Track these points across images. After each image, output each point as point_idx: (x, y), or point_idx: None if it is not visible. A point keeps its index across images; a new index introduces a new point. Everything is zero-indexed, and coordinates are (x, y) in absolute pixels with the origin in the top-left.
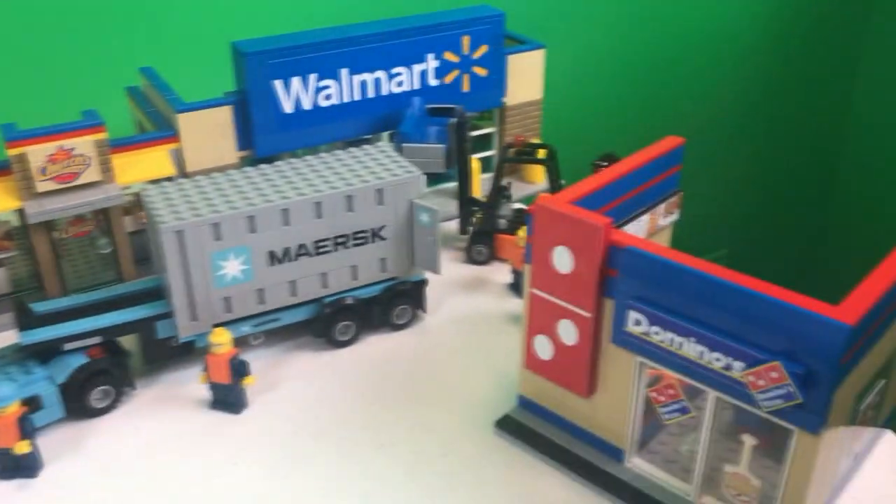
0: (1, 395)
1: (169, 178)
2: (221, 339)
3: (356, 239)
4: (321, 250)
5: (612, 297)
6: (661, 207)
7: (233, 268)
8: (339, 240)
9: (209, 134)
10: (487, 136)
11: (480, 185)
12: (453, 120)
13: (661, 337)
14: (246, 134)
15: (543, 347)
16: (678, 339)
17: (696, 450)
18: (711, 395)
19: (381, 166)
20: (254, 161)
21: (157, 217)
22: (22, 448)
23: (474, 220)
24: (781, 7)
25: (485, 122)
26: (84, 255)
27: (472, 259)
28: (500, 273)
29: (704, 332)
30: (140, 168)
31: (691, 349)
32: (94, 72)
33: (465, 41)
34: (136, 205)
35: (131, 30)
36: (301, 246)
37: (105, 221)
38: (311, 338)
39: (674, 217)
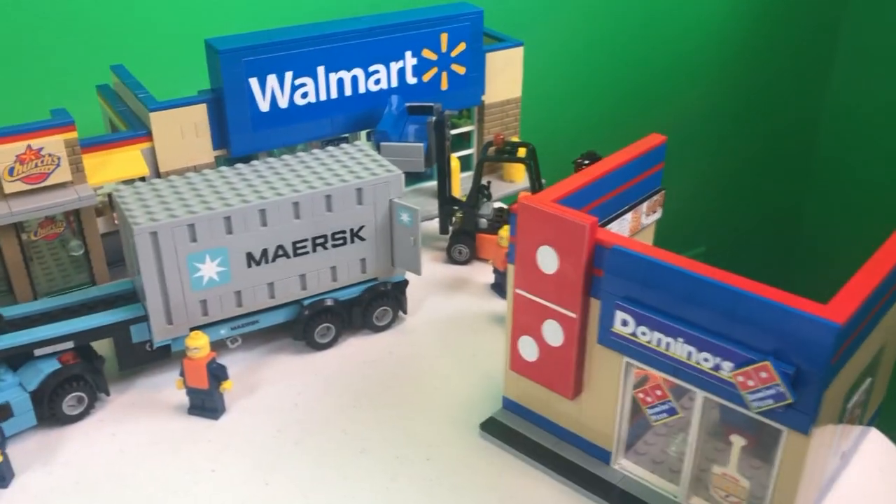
0: None
1: (142, 178)
2: (198, 343)
3: (335, 239)
4: (300, 251)
5: (598, 298)
6: (645, 206)
7: (210, 270)
8: (318, 240)
9: (183, 133)
10: (466, 135)
11: (460, 184)
12: (432, 118)
13: (649, 337)
14: (221, 133)
15: (528, 349)
16: (666, 339)
17: (684, 451)
18: (700, 395)
19: (361, 165)
20: (229, 160)
21: (130, 218)
22: None
23: (454, 219)
24: (761, 5)
25: (463, 120)
26: (55, 257)
27: (452, 259)
28: (482, 273)
29: (692, 332)
30: (112, 168)
31: (679, 349)
32: (64, 70)
33: (444, 39)
34: (108, 206)
35: (102, 27)
36: (279, 247)
37: (77, 223)
38: (290, 340)
39: (657, 216)
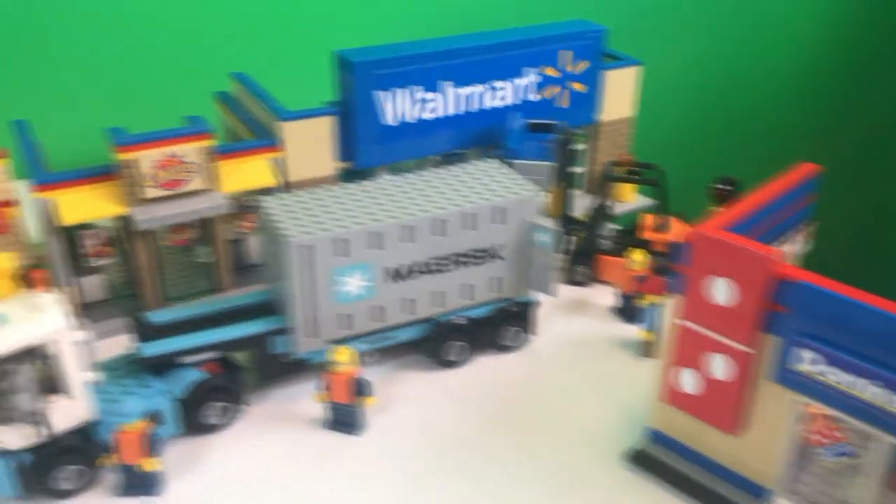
0: (128, 409)
1: (271, 188)
2: (345, 358)
3: (474, 257)
4: (439, 268)
5: (773, 333)
6: (795, 237)
7: (354, 284)
8: (458, 258)
9: (311, 144)
10: (576, 153)
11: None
12: (558, 136)
13: (837, 377)
14: (347, 145)
15: (688, 381)
16: (853, 379)
17: (851, 495)
18: (887, 440)
19: (499, 184)
20: (351, 173)
21: (282, 231)
22: (150, 465)
23: (574, 239)
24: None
25: (575, 138)
26: (176, 263)
27: (572, 280)
28: (602, 295)
29: (887, 374)
30: (241, 177)
31: (870, 391)
32: (175, 76)
33: (568, 56)
34: (233, 214)
35: (216, 34)
36: (421, 263)
37: (206, 230)
38: (416, 357)
39: (805, 248)
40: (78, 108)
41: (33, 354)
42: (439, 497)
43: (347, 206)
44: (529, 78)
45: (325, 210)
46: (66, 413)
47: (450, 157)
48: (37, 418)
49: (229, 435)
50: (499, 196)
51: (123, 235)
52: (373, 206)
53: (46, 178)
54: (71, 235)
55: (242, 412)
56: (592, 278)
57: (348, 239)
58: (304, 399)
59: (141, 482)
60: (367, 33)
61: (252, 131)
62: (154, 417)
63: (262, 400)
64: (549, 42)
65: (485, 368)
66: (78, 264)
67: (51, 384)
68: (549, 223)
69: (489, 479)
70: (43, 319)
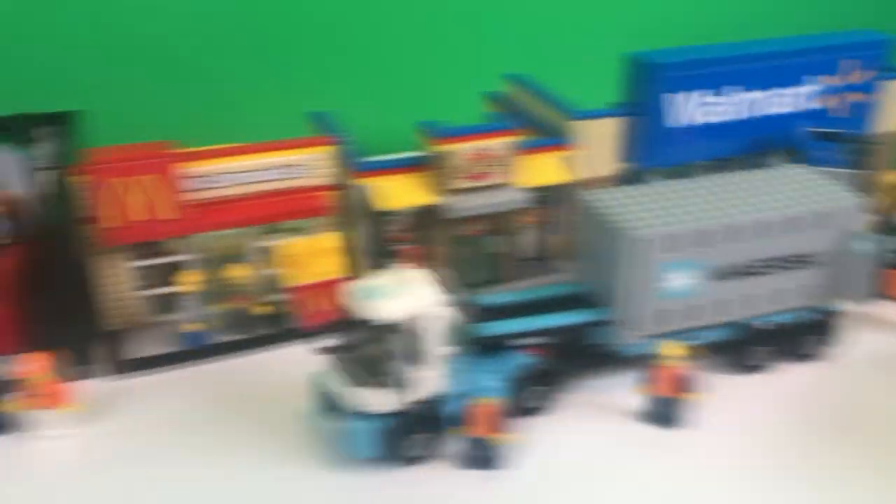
0: (490, 385)
1: (562, 186)
2: (678, 353)
3: (791, 263)
4: (754, 272)
5: None
6: None
7: (679, 281)
8: (776, 262)
9: (597, 143)
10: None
11: None
12: (857, 145)
13: None
14: (632, 145)
15: None
16: None
17: None
18: None
19: (817, 189)
20: (635, 173)
21: (621, 225)
22: (504, 440)
23: None
24: None
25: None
26: (465, 252)
27: None
28: (887, 310)
29: None
30: (534, 172)
31: None
32: (445, 77)
33: (851, 65)
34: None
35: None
36: (741, 265)
37: (497, 222)
38: (711, 359)
39: None
40: (353, 103)
41: (404, 325)
42: (774, 497)
43: (673, 203)
44: (812, 85)
45: (658, 206)
46: (425, 383)
47: (727, 162)
48: (403, 385)
49: (550, 419)
50: (821, 202)
51: (422, 223)
52: (699, 204)
53: (367, 165)
54: (377, 220)
55: (560, 399)
56: (877, 293)
57: (681, 235)
58: (617, 390)
59: (486, 456)
60: (623, 39)
61: (535, 130)
62: (509, 394)
63: (577, 388)
64: (834, 51)
65: (788, 376)
66: (380, 248)
67: (412, 354)
68: (870, 232)
69: (824, 486)
70: (417, 293)
